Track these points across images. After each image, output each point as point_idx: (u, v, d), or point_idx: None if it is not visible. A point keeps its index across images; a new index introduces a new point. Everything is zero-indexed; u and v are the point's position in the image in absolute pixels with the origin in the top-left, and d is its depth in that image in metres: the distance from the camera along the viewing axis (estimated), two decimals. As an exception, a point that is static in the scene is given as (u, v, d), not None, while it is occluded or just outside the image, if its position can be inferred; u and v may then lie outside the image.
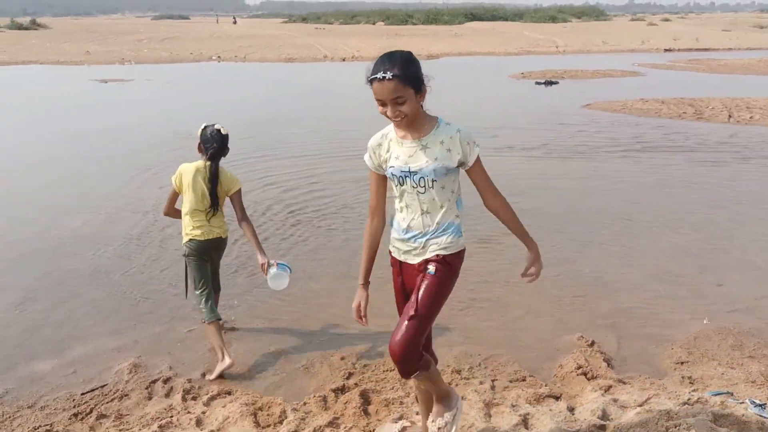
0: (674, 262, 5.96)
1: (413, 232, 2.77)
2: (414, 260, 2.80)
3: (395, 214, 2.85)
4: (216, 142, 4.18)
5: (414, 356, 2.69)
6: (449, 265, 2.75)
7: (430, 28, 60.07)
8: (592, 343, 4.39)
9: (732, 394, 3.68)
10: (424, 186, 2.70)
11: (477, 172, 2.77)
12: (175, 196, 4.28)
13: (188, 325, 4.71)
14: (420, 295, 2.69)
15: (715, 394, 3.65)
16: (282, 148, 11.15)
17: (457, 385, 3.87)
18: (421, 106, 2.68)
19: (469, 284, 5.55)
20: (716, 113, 14.38)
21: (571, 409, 3.51)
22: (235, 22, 73.46)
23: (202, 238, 4.15)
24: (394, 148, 2.75)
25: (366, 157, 2.83)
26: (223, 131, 4.23)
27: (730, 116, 14.05)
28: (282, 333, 4.61)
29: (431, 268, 2.73)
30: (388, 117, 2.63)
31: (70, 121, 13.77)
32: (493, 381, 3.92)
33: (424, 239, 2.76)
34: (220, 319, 4.17)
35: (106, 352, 4.35)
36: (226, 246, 4.40)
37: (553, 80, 21.32)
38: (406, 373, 2.73)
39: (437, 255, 2.74)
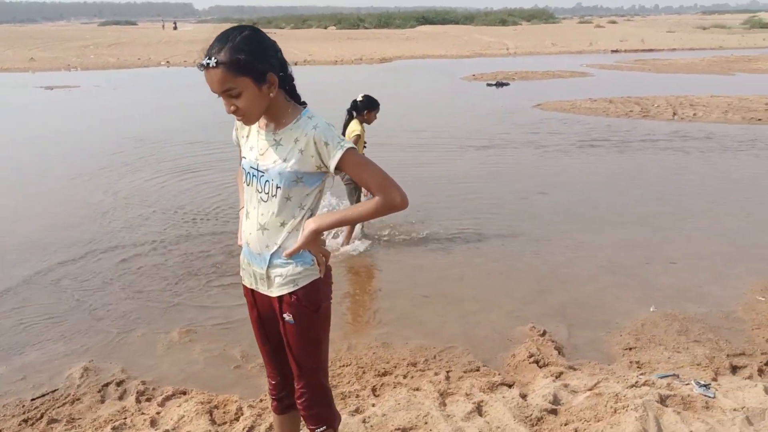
0: (623, 254, 6.12)
1: (252, 252, 2.34)
2: (263, 290, 2.37)
3: None
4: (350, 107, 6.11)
5: (324, 407, 2.48)
6: (307, 306, 2.31)
7: (383, 32, 60.25)
8: (544, 333, 4.49)
9: (678, 376, 3.81)
10: (268, 192, 2.25)
11: (351, 174, 2.23)
12: None
13: (140, 329, 4.65)
14: (294, 352, 2.38)
15: (662, 377, 3.77)
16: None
17: (412, 377, 3.92)
18: (285, 94, 2.24)
19: (424, 281, 5.62)
20: (661, 111, 14.79)
21: (524, 396, 3.59)
22: (175, 28, 71.94)
23: None
24: (253, 136, 2.32)
25: (233, 129, 2.43)
26: (359, 98, 6.07)
27: (674, 114, 14.47)
28: (237, 332, 4.58)
29: (287, 317, 2.33)
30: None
31: (16, 127, 13.41)
32: (447, 372, 3.97)
33: (265, 266, 2.30)
34: None
35: (57, 357, 4.27)
36: None
37: (505, 81, 21.59)
38: (315, 423, 2.49)
39: (289, 295, 2.30)
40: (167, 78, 24.62)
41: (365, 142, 6.16)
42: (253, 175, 2.30)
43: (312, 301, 2.33)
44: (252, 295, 2.45)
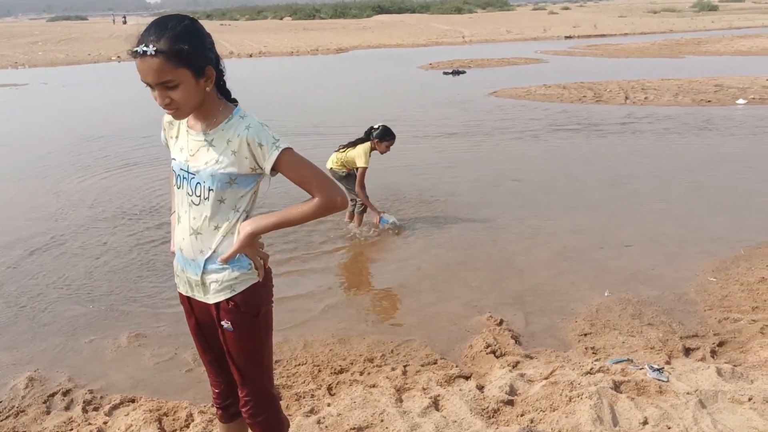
0: (577, 239, 6.15)
1: (186, 258, 2.23)
2: (199, 297, 2.26)
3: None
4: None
5: (270, 413, 2.40)
6: (246, 311, 2.22)
7: (339, 22, 59.96)
8: (501, 322, 4.47)
9: (632, 361, 3.82)
10: (200, 195, 2.14)
11: (289, 175, 2.13)
12: None
13: (88, 335, 4.50)
14: (235, 360, 2.29)
15: (616, 362, 3.78)
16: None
17: (369, 373, 3.86)
18: (216, 91, 2.13)
19: (381, 273, 5.59)
20: (614, 95, 14.97)
21: (481, 387, 3.56)
22: (125, 22, 70.39)
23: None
24: (182, 136, 2.21)
25: (161, 129, 2.33)
26: (375, 126, 6.32)
27: (626, 98, 14.66)
28: (189, 335, 4.45)
29: (225, 324, 2.23)
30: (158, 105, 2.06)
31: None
32: (405, 366, 3.92)
33: (199, 272, 2.20)
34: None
35: (0, 368, 4.11)
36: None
37: (461, 69, 21.64)
38: (262, 431, 2.43)
39: (226, 302, 2.20)
40: (118, 73, 24.03)
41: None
42: (184, 178, 2.18)
43: (251, 307, 2.23)
44: (188, 302, 2.34)
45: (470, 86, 17.74)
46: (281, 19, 70.45)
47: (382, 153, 6.35)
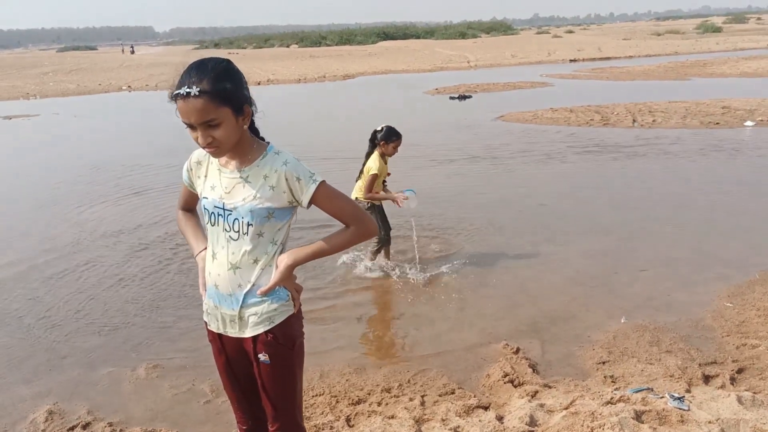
0: (591, 264, 6.15)
1: (222, 294, 2.26)
2: (233, 332, 2.29)
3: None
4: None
5: None
6: (284, 343, 2.27)
7: (344, 49, 60.53)
8: (518, 350, 4.46)
9: (652, 390, 3.81)
10: (238, 231, 2.19)
11: (324, 207, 2.22)
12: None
13: (106, 366, 4.51)
14: (270, 393, 2.32)
15: (636, 391, 3.76)
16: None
17: (386, 404, 3.85)
18: (249, 130, 2.21)
19: (394, 302, 5.59)
20: (621, 118, 15.01)
21: (500, 418, 3.55)
22: (132, 52, 71.88)
23: None
24: (213, 175, 2.27)
25: (184, 169, 2.38)
26: (378, 128, 6.05)
27: (634, 121, 14.70)
28: (206, 366, 4.48)
29: (263, 357, 2.26)
30: (199, 144, 2.13)
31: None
32: (422, 396, 3.92)
33: (237, 307, 2.24)
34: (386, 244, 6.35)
35: (20, 400, 4.12)
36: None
37: (467, 94, 21.76)
38: None
39: (265, 334, 2.25)
40: (129, 103, 24.29)
41: (388, 174, 6.21)
42: (219, 215, 2.23)
43: (288, 338, 2.29)
44: (220, 340, 2.36)
45: (477, 111, 17.83)
46: (288, 46, 71.28)
47: (390, 155, 6.10)
